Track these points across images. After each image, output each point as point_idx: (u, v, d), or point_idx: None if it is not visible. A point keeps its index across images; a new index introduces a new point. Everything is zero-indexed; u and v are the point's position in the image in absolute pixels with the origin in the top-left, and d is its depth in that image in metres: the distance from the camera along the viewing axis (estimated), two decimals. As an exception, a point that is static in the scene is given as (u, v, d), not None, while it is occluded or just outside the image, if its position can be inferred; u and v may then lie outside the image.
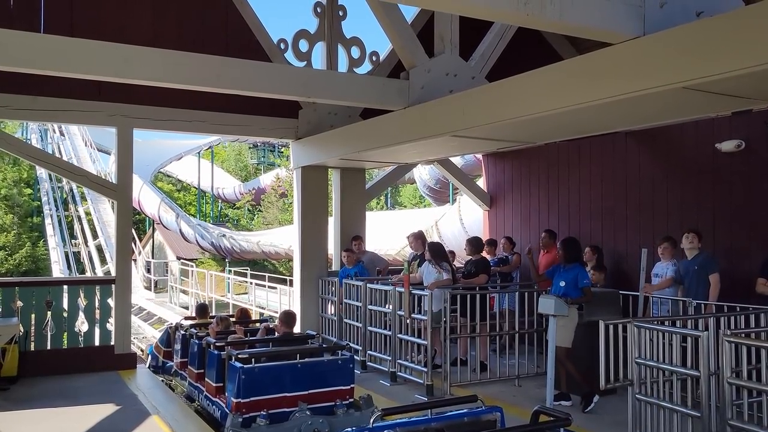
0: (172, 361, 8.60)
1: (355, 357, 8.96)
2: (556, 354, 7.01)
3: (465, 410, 3.93)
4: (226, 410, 6.35)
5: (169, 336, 9.00)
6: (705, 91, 4.85)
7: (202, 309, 9.52)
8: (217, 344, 7.03)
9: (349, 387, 6.82)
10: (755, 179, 7.92)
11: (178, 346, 8.33)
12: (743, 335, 5.34)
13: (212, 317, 8.73)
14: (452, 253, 10.54)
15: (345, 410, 6.59)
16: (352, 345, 9.24)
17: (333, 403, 6.61)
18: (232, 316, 8.89)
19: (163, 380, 8.61)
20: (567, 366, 6.98)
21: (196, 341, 7.57)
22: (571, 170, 10.37)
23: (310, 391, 6.61)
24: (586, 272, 7.24)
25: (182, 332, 8.25)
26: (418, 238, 9.64)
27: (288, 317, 7.42)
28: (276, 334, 7.41)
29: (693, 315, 6.60)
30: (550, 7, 4.69)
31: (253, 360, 6.37)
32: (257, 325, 8.47)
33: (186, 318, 9.73)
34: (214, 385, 6.93)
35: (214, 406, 6.88)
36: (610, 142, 9.47)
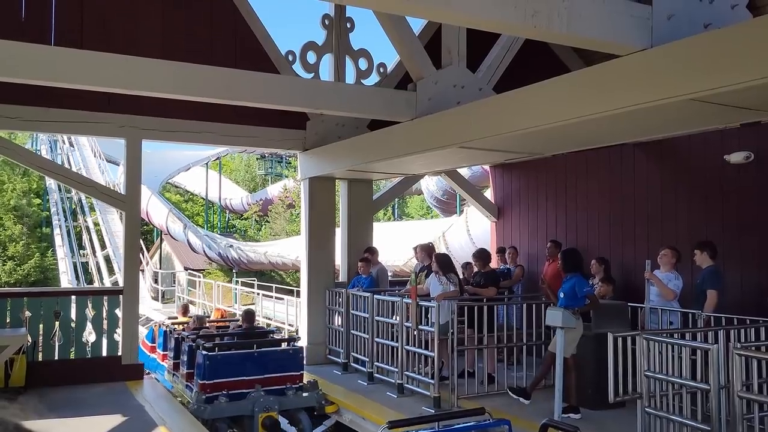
0: (154, 354, 9.87)
1: (362, 368, 9.02)
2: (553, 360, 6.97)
3: (473, 423, 3.92)
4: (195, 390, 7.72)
5: (154, 332, 10.29)
6: (713, 103, 4.84)
7: (185, 308, 11.66)
8: (189, 337, 8.35)
9: (298, 373, 8.29)
10: (764, 190, 7.87)
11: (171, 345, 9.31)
12: (754, 348, 5.30)
13: (191, 317, 10.20)
14: (470, 264, 10.43)
15: (294, 392, 8.05)
16: (358, 356, 9.24)
17: (284, 386, 8.06)
18: (209, 316, 10.93)
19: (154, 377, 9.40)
20: (567, 375, 6.89)
21: (174, 336, 8.86)
22: (579, 181, 10.35)
23: (265, 376, 8.00)
24: (584, 281, 7.14)
25: (163, 328, 9.61)
26: (424, 249, 9.71)
27: (248, 315, 9.29)
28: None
29: (703, 328, 6.55)
30: (557, 20, 4.71)
31: (216, 349, 7.73)
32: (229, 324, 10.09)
33: (169, 318, 11.02)
34: (186, 371, 8.28)
35: (187, 389, 8.15)
36: (618, 153, 9.45)
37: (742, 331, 5.93)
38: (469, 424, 3.94)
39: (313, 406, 8.19)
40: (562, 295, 7.08)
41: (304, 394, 8.16)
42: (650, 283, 7.71)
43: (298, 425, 8.26)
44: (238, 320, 10.39)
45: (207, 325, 9.52)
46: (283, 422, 8.11)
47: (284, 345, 8.56)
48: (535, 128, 5.96)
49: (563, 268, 7.26)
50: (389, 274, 15.94)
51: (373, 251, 10.31)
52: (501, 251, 10.66)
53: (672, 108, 4.99)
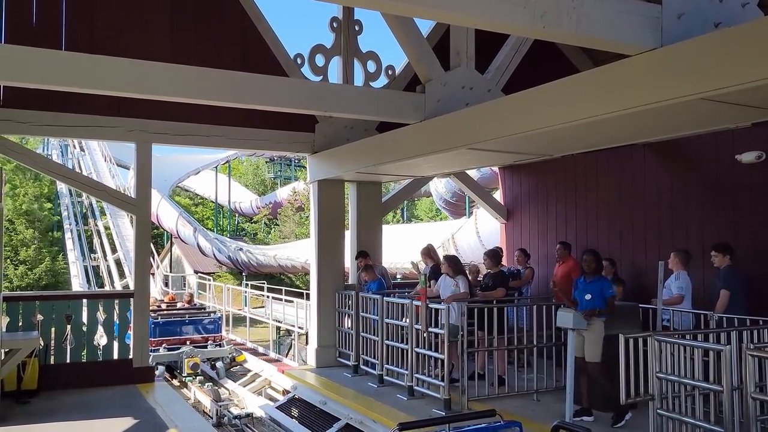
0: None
1: (372, 371, 9.02)
2: (589, 370, 6.88)
3: (484, 425, 3.90)
4: None
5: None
6: (724, 102, 4.81)
7: None
8: None
9: (217, 334, 14.55)
10: (777, 191, 7.81)
11: None
12: (767, 349, 5.25)
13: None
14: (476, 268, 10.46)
15: (213, 346, 14.00)
16: (368, 359, 9.24)
17: (207, 343, 14.04)
18: (163, 301, 17.59)
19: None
20: (601, 380, 6.81)
21: None
22: (589, 182, 10.30)
23: (194, 336, 13.93)
24: (610, 283, 7.10)
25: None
26: (423, 252, 9.88)
27: (188, 296, 16.96)
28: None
29: (715, 329, 6.50)
30: (566, 20, 4.69)
31: (159, 317, 13.68)
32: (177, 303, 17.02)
33: None
34: None
35: None
36: (628, 153, 9.40)
37: (755, 332, 5.88)
38: (480, 426, 3.92)
39: (226, 356, 14.04)
40: (588, 296, 6.92)
41: (220, 348, 13.97)
42: (663, 285, 7.66)
43: (215, 369, 13.74)
44: (181, 301, 17.30)
45: (159, 303, 16.07)
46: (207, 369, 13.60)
47: (210, 316, 14.86)
48: (544, 129, 5.94)
49: (597, 269, 7.04)
50: (398, 276, 15.92)
51: (366, 255, 10.25)
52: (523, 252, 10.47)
53: (682, 108, 4.96)
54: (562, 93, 5.73)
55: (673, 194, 8.96)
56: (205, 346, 13.98)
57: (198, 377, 13.46)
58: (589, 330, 6.87)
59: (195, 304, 17.82)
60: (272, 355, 14.89)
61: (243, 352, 14.91)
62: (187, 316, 14.92)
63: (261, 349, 15.54)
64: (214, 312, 15.65)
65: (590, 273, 7.05)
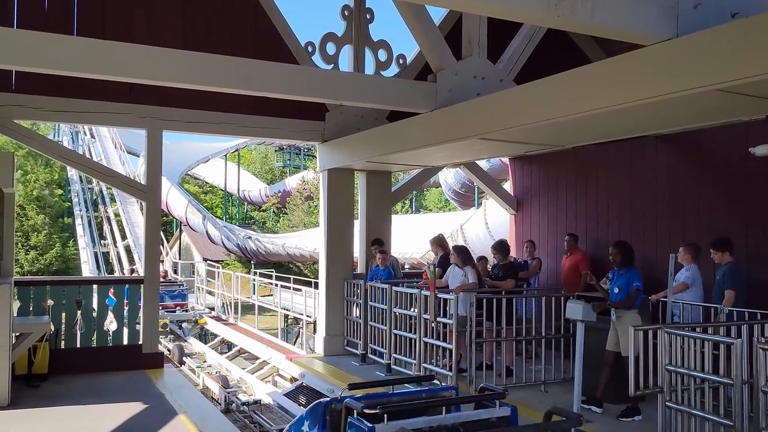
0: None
1: (380, 360, 9.04)
2: (626, 363, 6.76)
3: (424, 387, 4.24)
4: None
5: None
6: (739, 94, 4.76)
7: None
8: None
9: (184, 302, 19.83)
10: (790, 184, 7.73)
11: None
12: (778, 343, 5.20)
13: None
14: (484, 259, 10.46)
15: (180, 311, 18.96)
16: (376, 348, 9.26)
17: (175, 309, 18.95)
18: None
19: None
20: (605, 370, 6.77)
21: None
22: (600, 174, 10.23)
23: (165, 303, 17.14)
24: (639, 275, 6.88)
25: None
26: (434, 242, 9.91)
27: (164, 273, 21.57)
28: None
29: (725, 322, 6.46)
30: (581, 9, 4.65)
31: None
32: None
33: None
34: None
35: None
36: (640, 145, 9.33)
37: (766, 325, 5.84)
38: (419, 389, 4.15)
39: (190, 318, 18.63)
40: (617, 290, 6.81)
41: (186, 313, 18.72)
42: (673, 278, 7.62)
43: (181, 329, 18.00)
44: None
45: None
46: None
47: (179, 288, 19.77)
48: (557, 120, 5.90)
49: (622, 261, 6.86)
50: (407, 266, 15.93)
51: (382, 244, 10.24)
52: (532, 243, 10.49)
53: (697, 99, 4.91)
54: (574, 83, 5.68)
55: (685, 186, 8.89)
56: (174, 311, 18.54)
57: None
58: (621, 323, 6.70)
59: (169, 279, 23.01)
60: (280, 343, 14.95)
61: (204, 316, 18.99)
62: (160, 287, 19.85)
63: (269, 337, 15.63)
64: (182, 285, 20.97)
65: (619, 265, 6.89)
